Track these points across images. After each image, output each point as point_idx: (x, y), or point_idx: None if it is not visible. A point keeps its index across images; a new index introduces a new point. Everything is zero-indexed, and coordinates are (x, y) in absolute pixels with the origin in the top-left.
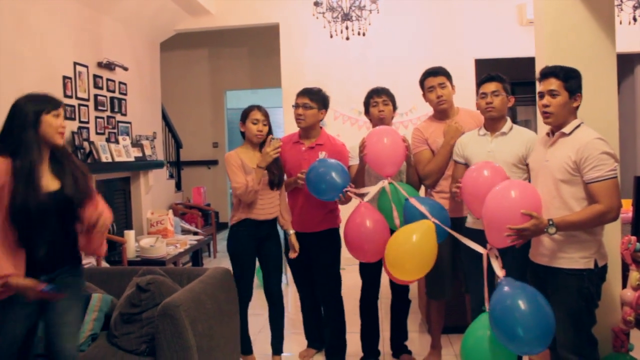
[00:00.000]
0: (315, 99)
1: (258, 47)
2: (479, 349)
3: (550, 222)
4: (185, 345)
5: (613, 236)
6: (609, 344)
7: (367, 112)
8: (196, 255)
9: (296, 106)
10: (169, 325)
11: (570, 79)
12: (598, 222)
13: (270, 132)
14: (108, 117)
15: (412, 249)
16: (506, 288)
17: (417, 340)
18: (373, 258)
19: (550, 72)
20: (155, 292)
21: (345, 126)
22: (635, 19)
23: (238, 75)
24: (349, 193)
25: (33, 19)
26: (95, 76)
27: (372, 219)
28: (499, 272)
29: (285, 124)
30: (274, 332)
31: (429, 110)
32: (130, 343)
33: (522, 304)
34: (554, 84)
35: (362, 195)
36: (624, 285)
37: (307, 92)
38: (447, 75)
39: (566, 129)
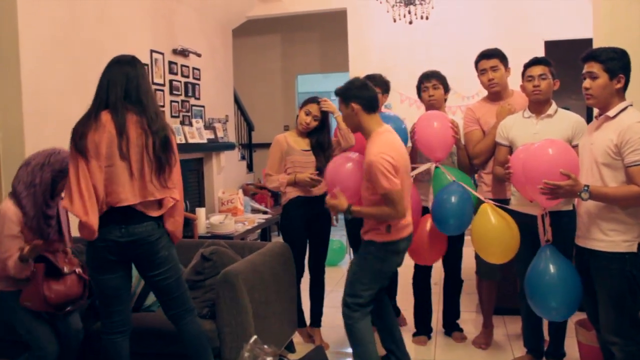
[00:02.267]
0: (376, 84)
1: (328, 32)
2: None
3: (586, 188)
4: (242, 310)
5: None
6: None
7: (419, 97)
8: (264, 232)
9: (426, 89)
10: (228, 291)
11: (610, 60)
12: (632, 203)
13: (324, 128)
14: (182, 101)
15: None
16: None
17: (471, 320)
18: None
19: (589, 55)
20: (218, 261)
21: (412, 109)
22: None
23: (309, 60)
24: None
25: (113, 10)
26: (170, 62)
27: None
28: (545, 236)
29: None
30: (313, 305)
31: None
32: None
33: (551, 272)
34: (593, 66)
35: None
36: None
37: (370, 78)
38: (501, 58)
39: (611, 112)
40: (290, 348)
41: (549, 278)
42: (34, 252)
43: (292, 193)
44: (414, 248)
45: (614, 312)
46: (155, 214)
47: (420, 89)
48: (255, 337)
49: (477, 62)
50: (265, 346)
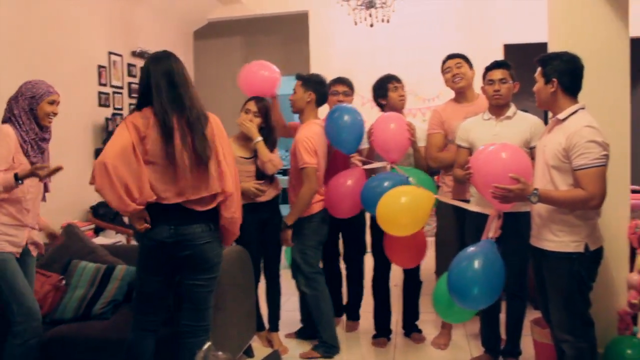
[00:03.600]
0: (351, 85)
1: (290, 34)
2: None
3: (535, 192)
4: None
5: (621, 221)
6: (615, 326)
7: (382, 97)
8: None
9: (335, 93)
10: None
11: (548, 65)
12: (579, 206)
13: (266, 126)
14: None
15: (404, 203)
16: (472, 248)
17: (431, 321)
18: (345, 216)
19: (537, 59)
20: None
21: (373, 112)
22: None
23: (271, 62)
24: (353, 160)
25: (69, 10)
26: (129, 65)
27: (356, 180)
28: (491, 232)
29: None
30: (270, 309)
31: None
32: None
33: (476, 263)
34: (537, 71)
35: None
36: (632, 269)
37: (344, 81)
38: (465, 59)
39: (561, 115)
40: (249, 353)
41: (474, 266)
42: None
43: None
44: (391, 248)
45: (564, 310)
46: (205, 207)
47: (386, 89)
48: (209, 343)
49: (442, 64)
50: (220, 353)
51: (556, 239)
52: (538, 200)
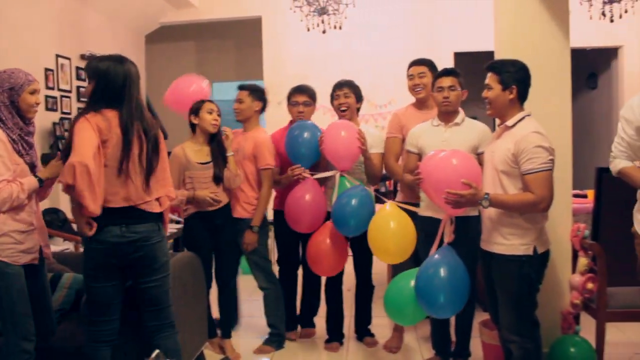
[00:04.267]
0: (312, 94)
1: (243, 39)
2: (400, 296)
3: (486, 196)
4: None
5: (564, 224)
6: (558, 326)
7: (332, 104)
8: (177, 242)
9: (295, 104)
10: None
11: (504, 72)
12: (529, 210)
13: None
14: None
15: (394, 231)
16: (436, 256)
17: (383, 325)
18: (308, 230)
19: (488, 66)
20: None
21: (326, 118)
22: (604, 14)
23: (224, 68)
24: (297, 171)
25: (15, 11)
26: (78, 68)
27: (313, 193)
28: (446, 237)
29: (266, 117)
30: (221, 315)
31: (408, 102)
32: None
33: (442, 272)
34: (490, 77)
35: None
36: (574, 271)
37: (304, 90)
38: (430, 66)
39: (509, 122)
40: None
41: (440, 274)
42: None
43: (190, 209)
44: (314, 258)
45: (513, 312)
46: (153, 210)
47: (332, 97)
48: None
49: (408, 68)
50: None
51: (506, 242)
52: (489, 205)
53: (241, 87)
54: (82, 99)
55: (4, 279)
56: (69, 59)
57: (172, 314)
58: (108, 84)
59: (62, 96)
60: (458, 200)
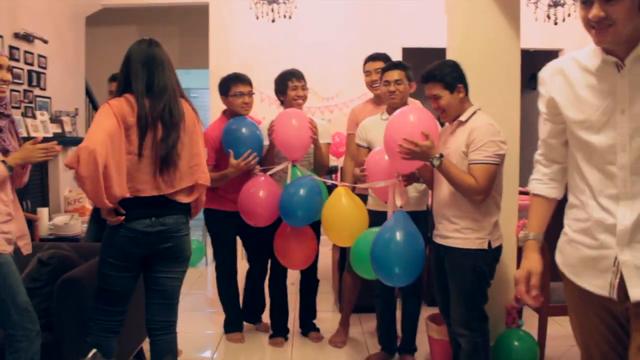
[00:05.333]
0: (251, 83)
1: (188, 26)
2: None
3: (439, 155)
4: (85, 321)
5: (510, 220)
6: (503, 320)
7: (281, 93)
8: None
9: (240, 95)
10: (69, 300)
11: (446, 75)
12: (465, 192)
13: None
14: (25, 90)
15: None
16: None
17: (328, 320)
18: (265, 223)
19: (428, 76)
20: (57, 266)
21: (272, 108)
22: (549, 17)
23: (169, 54)
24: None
25: None
26: (11, 47)
27: (266, 188)
28: (398, 201)
29: (211, 107)
30: None
31: (355, 96)
32: None
33: (398, 238)
34: (434, 87)
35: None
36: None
37: (246, 80)
38: (386, 61)
39: (463, 117)
40: (141, 356)
41: (396, 240)
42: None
43: None
44: (282, 252)
45: (465, 306)
46: (184, 200)
47: (286, 86)
48: (94, 350)
49: (364, 64)
50: None
51: (462, 235)
52: (439, 165)
53: None
54: (16, 81)
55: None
56: (1, 37)
57: (176, 314)
58: (130, 67)
59: None
60: (413, 150)
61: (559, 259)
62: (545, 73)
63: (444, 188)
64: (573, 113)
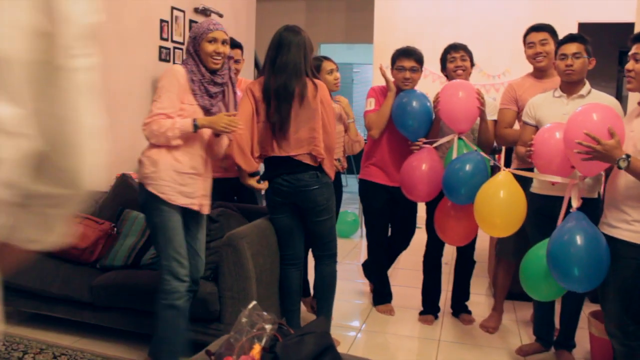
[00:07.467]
0: (420, 59)
1: (354, 1)
2: (537, 268)
3: (626, 156)
4: (245, 275)
5: None
6: None
7: (443, 69)
8: None
9: (401, 69)
10: (232, 255)
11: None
12: None
13: None
14: None
15: (502, 202)
16: (569, 223)
17: (480, 303)
18: (426, 198)
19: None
20: (224, 223)
21: (435, 85)
22: None
23: (333, 29)
24: (419, 144)
25: None
26: (191, 21)
27: (429, 162)
28: (575, 202)
29: (373, 82)
30: None
31: (523, 73)
32: None
33: (578, 240)
34: (637, 47)
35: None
36: None
37: (411, 54)
38: (551, 33)
39: None
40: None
41: (575, 244)
42: None
43: None
44: (441, 227)
45: (620, 303)
46: (309, 162)
47: (446, 60)
48: (254, 302)
49: (525, 35)
50: (265, 313)
51: (630, 227)
52: (627, 167)
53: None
54: None
55: (160, 215)
56: (183, 11)
57: (334, 246)
58: (267, 51)
59: (174, 47)
60: (594, 149)
61: None
62: None
63: (621, 174)
64: None
